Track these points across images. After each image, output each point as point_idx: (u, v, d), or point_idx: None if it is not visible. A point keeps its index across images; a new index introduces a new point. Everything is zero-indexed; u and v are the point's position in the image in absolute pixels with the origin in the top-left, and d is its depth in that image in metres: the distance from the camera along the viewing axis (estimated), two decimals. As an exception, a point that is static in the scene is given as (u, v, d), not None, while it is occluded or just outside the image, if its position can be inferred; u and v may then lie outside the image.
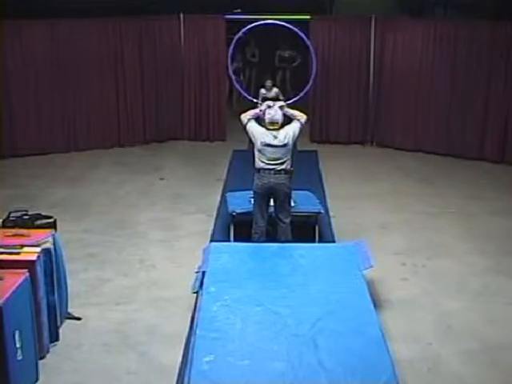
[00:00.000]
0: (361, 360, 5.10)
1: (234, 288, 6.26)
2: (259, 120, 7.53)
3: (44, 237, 6.18)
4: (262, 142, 7.35)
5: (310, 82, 7.56)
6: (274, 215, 7.64)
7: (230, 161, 11.16)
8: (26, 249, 5.89)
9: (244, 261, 6.88)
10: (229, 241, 7.95)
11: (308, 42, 7.57)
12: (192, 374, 4.95)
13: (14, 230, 6.30)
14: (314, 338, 5.39)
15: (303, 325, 5.59)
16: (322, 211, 8.14)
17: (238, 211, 8.02)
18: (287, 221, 7.61)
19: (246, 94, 7.86)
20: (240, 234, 7.85)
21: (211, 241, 7.93)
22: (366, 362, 5.07)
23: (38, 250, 5.89)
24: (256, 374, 4.97)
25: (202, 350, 5.22)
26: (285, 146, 7.35)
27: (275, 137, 7.34)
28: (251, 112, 7.53)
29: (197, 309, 6.16)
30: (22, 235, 6.20)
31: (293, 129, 7.40)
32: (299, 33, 7.60)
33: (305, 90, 7.57)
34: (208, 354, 5.16)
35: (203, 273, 6.65)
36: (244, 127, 7.51)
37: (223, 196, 9.19)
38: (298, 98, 7.55)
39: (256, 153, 7.46)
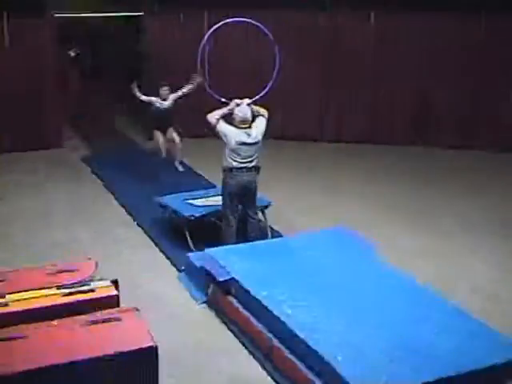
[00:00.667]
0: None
1: (280, 287, 6.19)
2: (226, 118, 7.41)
3: (90, 269, 5.50)
4: (237, 141, 7.26)
5: (274, 76, 7.57)
6: (244, 212, 7.63)
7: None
8: (94, 284, 5.21)
9: (261, 261, 6.75)
10: (189, 247, 7.73)
11: (271, 37, 7.55)
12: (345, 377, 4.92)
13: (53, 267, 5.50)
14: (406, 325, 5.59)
15: (386, 313, 5.81)
16: (272, 202, 8.29)
17: (197, 215, 7.82)
18: (256, 217, 7.68)
19: (214, 94, 7.56)
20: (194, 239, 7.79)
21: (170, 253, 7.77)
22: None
23: (108, 283, 5.25)
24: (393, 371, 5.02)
25: (330, 353, 5.18)
26: (257, 143, 7.38)
27: (248, 135, 7.32)
28: (219, 111, 7.36)
29: (253, 317, 6.00)
30: (65, 271, 5.44)
31: (261, 125, 7.43)
32: (261, 27, 7.56)
33: (269, 85, 7.57)
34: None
35: (227, 280, 6.43)
36: (214, 128, 7.33)
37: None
38: (262, 94, 7.54)
39: (228, 152, 7.34)
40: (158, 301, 6.71)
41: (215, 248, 7.11)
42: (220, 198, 8.37)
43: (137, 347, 4.36)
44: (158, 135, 10.13)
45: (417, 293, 6.19)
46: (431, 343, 5.32)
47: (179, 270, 7.40)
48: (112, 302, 5.03)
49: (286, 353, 5.53)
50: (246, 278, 6.38)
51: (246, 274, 6.45)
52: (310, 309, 5.84)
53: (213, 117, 7.31)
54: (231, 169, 7.34)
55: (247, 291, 6.21)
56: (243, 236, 7.62)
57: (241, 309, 6.25)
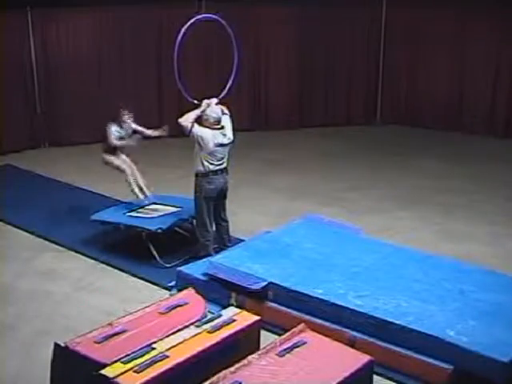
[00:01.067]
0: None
1: (325, 282, 6.19)
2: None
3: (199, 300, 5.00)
4: (216, 144, 7.00)
5: (233, 73, 7.24)
6: (215, 216, 7.36)
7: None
8: (224, 313, 4.78)
9: (277, 261, 6.63)
10: (156, 262, 7.32)
11: (230, 32, 7.17)
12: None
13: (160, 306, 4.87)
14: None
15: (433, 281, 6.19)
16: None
17: (165, 227, 7.37)
18: (228, 219, 7.45)
19: (186, 95, 6.98)
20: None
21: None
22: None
23: (237, 310, 4.86)
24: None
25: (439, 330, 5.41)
26: (232, 142, 7.16)
27: (224, 135, 7.09)
28: (192, 115, 6.95)
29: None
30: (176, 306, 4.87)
31: (230, 123, 7.22)
32: (222, 21, 7.15)
33: (230, 83, 7.24)
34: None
35: (267, 284, 6.23)
36: (189, 132, 6.93)
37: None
38: (226, 91, 7.21)
39: (205, 156, 7.02)
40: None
41: (218, 256, 6.81)
42: (159, 207, 7.99)
43: (360, 365, 4.14)
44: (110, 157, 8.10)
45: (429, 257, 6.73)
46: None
47: (167, 288, 6.86)
48: (256, 328, 4.65)
49: (376, 343, 5.56)
50: (285, 281, 6.24)
51: (282, 277, 6.31)
52: (374, 296, 5.97)
53: (186, 121, 6.90)
54: (207, 173, 7.05)
55: (299, 292, 6.08)
56: (216, 241, 7.38)
57: (292, 312, 6.07)
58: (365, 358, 4.27)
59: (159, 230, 7.28)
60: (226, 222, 7.43)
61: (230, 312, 4.77)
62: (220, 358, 4.30)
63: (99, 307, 6.49)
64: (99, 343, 4.34)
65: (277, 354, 4.23)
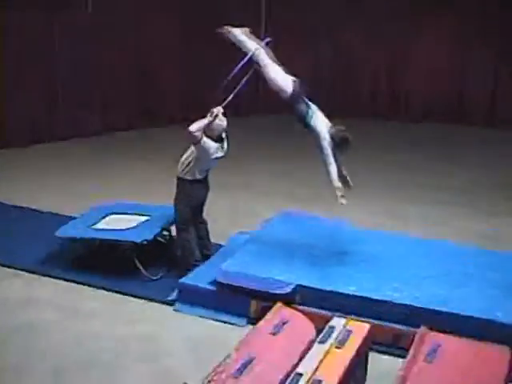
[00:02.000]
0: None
1: (349, 278, 6.17)
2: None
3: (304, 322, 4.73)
4: (215, 157, 6.70)
5: (243, 81, 6.71)
6: (195, 217, 7.03)
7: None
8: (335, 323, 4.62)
9: (286, 261, 6.54)
10: (143, 275, 6.90)
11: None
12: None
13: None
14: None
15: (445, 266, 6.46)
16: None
17: (150, 238, 6.92)
18: (206, 220, 7.25)
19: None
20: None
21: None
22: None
23: (343, 320, 4.72)
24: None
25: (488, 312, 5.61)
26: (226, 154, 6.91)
27: (222, 148, 6.79)
28: (200, 124, 6.48)
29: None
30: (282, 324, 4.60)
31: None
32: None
33: (237, 89, 6.68)
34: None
35: (295, 287, 6.06)
36: (198, 142, 6.52)
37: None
38: (230, 99, 6.69)
39: (197, 165, 6.68)
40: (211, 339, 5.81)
41: (228, 264, 6.52)
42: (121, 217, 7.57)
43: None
44: None
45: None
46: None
47: (168, 303, 6.44)
48: (371, 336, 4.53)
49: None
50: (314, 282, 6.15)
51: (306, 278, 6.20)
52: (410, 286, 6.04)
53: (198, 130, 6.46)
54: (194, 181, 6.76)
55: (333, 292, 5.98)
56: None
57: (322, 312, 5.86)
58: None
59: (145, 242, 6.77)
60: (205, 223, 7.18)
61: (340, 322, 4.54)
62: (359, 371, 4.11)
63: (92, 333, 5.87)
64: (237, 378, 3.92)
65: (424, 361, 4.12)
